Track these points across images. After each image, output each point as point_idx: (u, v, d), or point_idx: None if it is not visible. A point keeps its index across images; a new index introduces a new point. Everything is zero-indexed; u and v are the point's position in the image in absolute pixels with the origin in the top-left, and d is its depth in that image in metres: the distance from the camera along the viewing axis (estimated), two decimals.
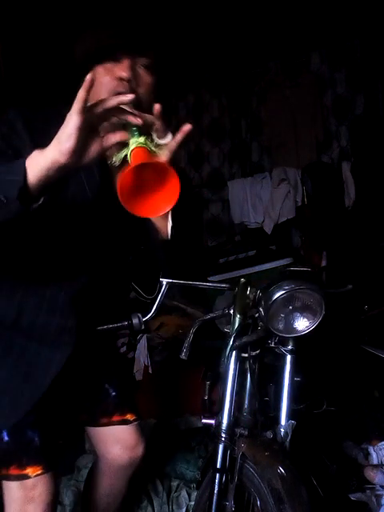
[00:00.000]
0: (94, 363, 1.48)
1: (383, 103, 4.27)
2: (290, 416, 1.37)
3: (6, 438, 1.27)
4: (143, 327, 1.39)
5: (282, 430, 1.35)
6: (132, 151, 1.01)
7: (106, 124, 1.02)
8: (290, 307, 1.29)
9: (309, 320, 1.30)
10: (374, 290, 2.63)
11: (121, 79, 1.14)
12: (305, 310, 1.29)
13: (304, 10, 3.60)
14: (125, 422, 1.50)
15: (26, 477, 1.26)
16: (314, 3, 3.54)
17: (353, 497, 1.87)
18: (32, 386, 1.26)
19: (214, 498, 1.30)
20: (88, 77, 0.96)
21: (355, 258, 3.56)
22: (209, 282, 1.74)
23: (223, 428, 1.33)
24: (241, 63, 4.55)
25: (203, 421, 1.41)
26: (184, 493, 2.13)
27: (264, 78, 4.71)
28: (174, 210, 1.04)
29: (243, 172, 4.84)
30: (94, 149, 1.00)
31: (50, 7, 3.10)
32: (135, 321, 1.36)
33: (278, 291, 1.26)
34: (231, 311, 1.39)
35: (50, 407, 1.33)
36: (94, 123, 0.98)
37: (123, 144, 1.04)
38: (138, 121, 1.02)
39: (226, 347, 1.35)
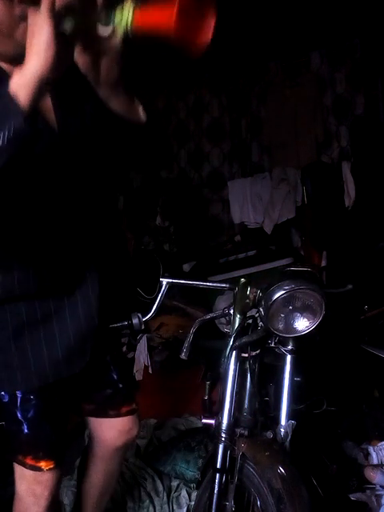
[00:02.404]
0: (104, 353, 1.49)
1: (383, 103, 4.26)
2: (290, 416, 1.37)
3: (26, 431, 1.31)
4: (143, 327, 1.39)
5: (282, 430, 1.35)
6: (135, 14, 0.96)
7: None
8: (290, 307, 1.29)
9: (309, 320, 1.30)
10: (374, 289, 2.63)
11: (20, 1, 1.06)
12: (305, 310, 1.29)
13: (304, 10, 3.59)
14: (132, 413, 1.53)
15: (40, 469, 1.33)
16: (314, 3, 3.54)
17: (353, 497, 1.87)
18: (85, 328, 1.31)
19: (214, 497, 1.31)
20: None
21: (355, 258, 3.56)
22: (209, 281, 1.73)
23: (223, 428, 1.33)
24: (241, 63, 4.55)
25: (203, 421, 1.41)
26: (184, 493, 2.13)
27: (264, 78, 4.71)
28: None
29: (243, 172, 4.84)
30: (68, 55, 0.99)
31: None
32: (135, 321, 1.37)
33: (278, 291, 1.26)
34: (231, 311, 1.39)
35: (61, 397, 1.36)
36: (60, 26, 0.95)
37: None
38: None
39: (226, 347, 1.35)
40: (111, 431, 1.52)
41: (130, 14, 0.97)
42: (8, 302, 1.27)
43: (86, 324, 1.31)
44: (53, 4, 0.92)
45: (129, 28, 0.98)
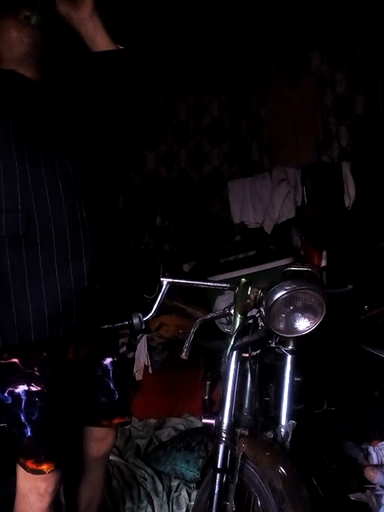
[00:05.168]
0: (103, 355, 1.48)
1: (383, 103, 4.27)
2: (290, 416, 1.37)
3: (29, 434, 1.29)
4: (144, 327, 1.39)
5: (283, 430, 1.35)
6: None
7: None
8: (291, 307, 1.29)
9: (310, 320, 1.29)
10: (374, 289, 2.63)
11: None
12: (306, 310, 1.29)
13: (304, 10, 3.59)
14: (125, 424, 1.53)
15: (42, 472, 1.30)
16: (314, 3, 3.54)
17: (353, 497, 1.87)
18: (74, 290, 1.26)
19: (215, 497, 1.30)
20: None
21: (355, 258, 3.56)
22: (209, 281, 1.73)
23: (224, 428, 1.32)
24: (241, 63, 4.55)
25: (203, 421, 1.41)
26: (184, 493, 2.13)
27: (264, 78, 4.71)
28: None
29: (243, 172, 4.84)
30: None
31: None
32: (136, 320, 1.36)
33: (279, 291, 1.26)
34: (232, 311, 1.39)
35: (66, 398, 1.34)
36: None
37: None
38: None
39: (227, 347, 1.35)
40: (91, 442, 1.51)
41: None
42: None
43: (76, 285, 1.26)
44: None
45: None
